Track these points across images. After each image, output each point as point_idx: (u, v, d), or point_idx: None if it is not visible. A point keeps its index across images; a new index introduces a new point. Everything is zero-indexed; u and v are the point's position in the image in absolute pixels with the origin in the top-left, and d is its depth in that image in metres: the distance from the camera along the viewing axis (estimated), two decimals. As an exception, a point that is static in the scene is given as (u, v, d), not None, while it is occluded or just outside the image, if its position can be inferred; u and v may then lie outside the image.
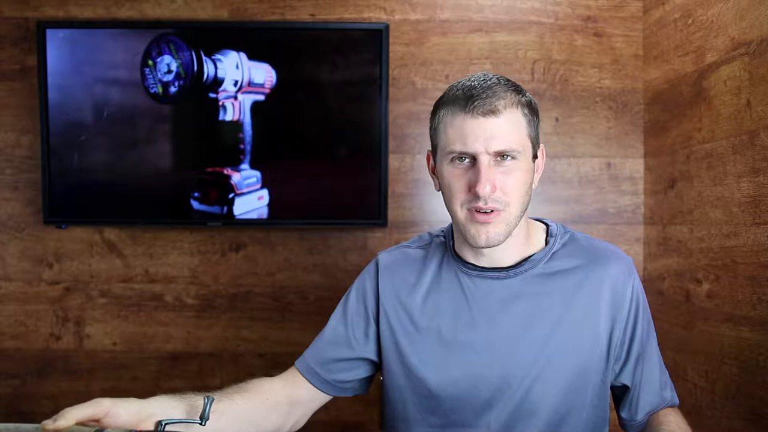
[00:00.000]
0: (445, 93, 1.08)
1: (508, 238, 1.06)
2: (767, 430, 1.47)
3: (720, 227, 1.65)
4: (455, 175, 1.04)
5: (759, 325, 1.50)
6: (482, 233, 1.03)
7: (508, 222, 1.04)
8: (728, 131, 1.61)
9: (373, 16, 2.12)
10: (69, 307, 2.16)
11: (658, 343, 1.17)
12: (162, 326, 2.16)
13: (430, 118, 1.10)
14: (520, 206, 1.05)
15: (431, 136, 1.11)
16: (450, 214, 1.08)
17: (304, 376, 1.17)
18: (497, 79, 1.04)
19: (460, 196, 1.04)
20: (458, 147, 1.02)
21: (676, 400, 1.16)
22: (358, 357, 1.18)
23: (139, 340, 2.16)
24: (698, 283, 1.75)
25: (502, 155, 1.02)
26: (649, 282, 2.05)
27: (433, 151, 1.11)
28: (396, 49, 2.11)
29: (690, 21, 1.80)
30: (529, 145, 1.05)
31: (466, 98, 1.01)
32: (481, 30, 2.12)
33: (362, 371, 1.19)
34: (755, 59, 1.50)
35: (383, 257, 1.21)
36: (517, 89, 1.05)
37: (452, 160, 1.04)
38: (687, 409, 1.77)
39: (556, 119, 2.11)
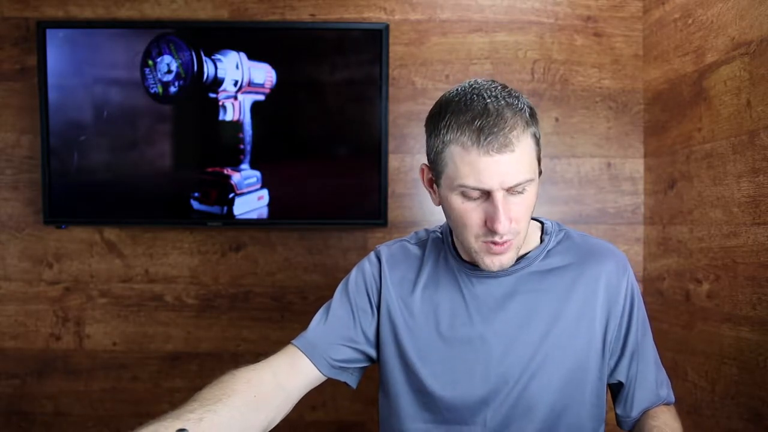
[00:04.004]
0: (448, 109, 1.00)
1: None
2: (767, 430, 1.47)
3: (720, 227, 1.65)
4: (468, 208, 1.01)
5: (759, 325, 1.50)
6: (496, 262, 1.04)
7: (519, 244, 1.05)
8: (728, 131, 1.61)
9: (373, 16, 2.12)
10: (69, 307, 2.16)
11: (656, 343, 1.17)
12: (162, 326, 2.16)
13: (429, 132, 1.05)
14: (527, 227, 1.06)
15: (431, 157, 1.04)
16: (460, 240, 1.08)
17: (306, 356, 1.12)
18: (505, 101, 0.98)
19: (474, 229, 1.02)
20: (471, 183, 0.98)
21: (672, 399, 1.16)
22: (359, 342, 1.16)
23: (139, 340, 2.16)
24: (698, 283, 1.75)
25: (514, 188, 0.99)
26: (649, 282, 2.05)
27: (434, 171, 1.06)
28: (396, 49, 2.11)
29: (690, 21, 1.80)
30: (537, 165, 1.03)
31: (477, 130, 0.96)
32: (481, 30, 2.12)
33: (360, 359, 1.18)
34: (755, 59, 1.50)
35: (384, 250, 1.21)
36: (521, 108, 1.00)
37: (462, 192, 1.00)
38: (687, 409, 1.77)
39: (556, 119, 2.11)
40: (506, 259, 1.04)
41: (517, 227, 1.02)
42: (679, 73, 1.86)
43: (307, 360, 1.12)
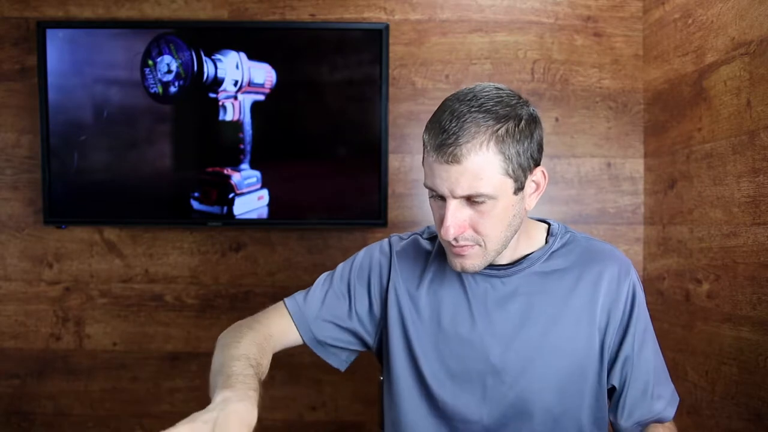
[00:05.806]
0: (438, 109, 1.01)
1: None
2: (767, 430, 1.47)
3: (720, 227, 1.65)
4: (434, 206, 1.05)
5: (759, 325, 1.50)
6: (457, 263, 1.05)
7: (486, 254, 1.04)
8: (728, 131, 1.61)
9: (373, 16, 2.12)
10: (69, 307, 2.16)
11: (663, 352, 1.14)
12: (162, 326, 2.16)
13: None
14: (500, 239, 1.03)
15: None
16: None
17: (294, 322, 1.18)
18: (481, 112, 0.96)
19: (438, 225, 1.04)
20: (429, 184, 1.01)
21: (670, 416, 1.12)
22: (352, 323, 1.18)
23: (139, 340, 2.16)
24: (698, 283, 1.75)
25: (470, 198, 0.98)
26: (649, 282, 2.05)
27: None
28: (396, 49, 2.11)
29: (690, 21, 1.80)
30: (508, 182, 0.99)
31: (436, 136, 0.97)
32: (481, 30, 2.12)
33: (350, 341, 1.19)
34: (755, 59, 1.50)
35: (397, 242, 1.22)
36: (502, 120, 0.96)
37: (430, 190, 1.03)
38: (687, 409, 1.78)
39: (556, 119, 2.11)
40: (468, 263, 1.04)
41: (477, 236, 1.01)
42: (679, 73, 1.86)
43: (294, 326, 1.18)
